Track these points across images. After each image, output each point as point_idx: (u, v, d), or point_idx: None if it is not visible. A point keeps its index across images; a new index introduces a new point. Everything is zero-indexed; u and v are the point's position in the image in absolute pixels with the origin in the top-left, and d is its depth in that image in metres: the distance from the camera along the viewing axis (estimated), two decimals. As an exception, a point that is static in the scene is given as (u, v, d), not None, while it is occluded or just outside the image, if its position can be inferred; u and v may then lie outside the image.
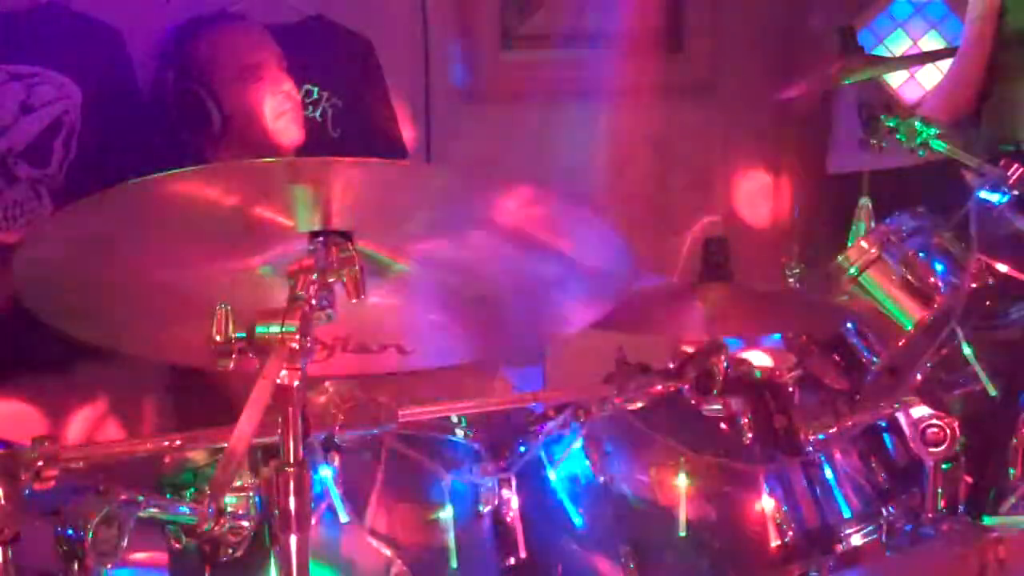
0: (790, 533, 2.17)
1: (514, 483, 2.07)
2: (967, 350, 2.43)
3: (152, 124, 3.06)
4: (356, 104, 3.40)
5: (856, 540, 2.22)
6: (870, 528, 2.24)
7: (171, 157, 2.74)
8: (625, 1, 4.11)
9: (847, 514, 2.24)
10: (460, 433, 2.10)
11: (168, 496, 1.64)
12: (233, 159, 2.70)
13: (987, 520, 2.21)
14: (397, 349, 1.78)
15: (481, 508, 2.04)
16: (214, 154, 2.80)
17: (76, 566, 1.29)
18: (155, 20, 3.15)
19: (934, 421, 2.10)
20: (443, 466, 2.01)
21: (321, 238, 1.50)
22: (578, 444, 2.19)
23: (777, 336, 2.71)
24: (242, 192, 1.47)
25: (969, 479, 2.32)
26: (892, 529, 2.24)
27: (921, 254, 2.51)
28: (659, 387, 2.13)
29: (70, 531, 1.29)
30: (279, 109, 2.81)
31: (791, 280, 2.74)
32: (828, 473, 2.26)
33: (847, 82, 3.20)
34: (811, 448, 2.22)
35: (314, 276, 1.46)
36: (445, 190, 1.55)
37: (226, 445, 1.32)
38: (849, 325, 2.52)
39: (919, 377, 2.43)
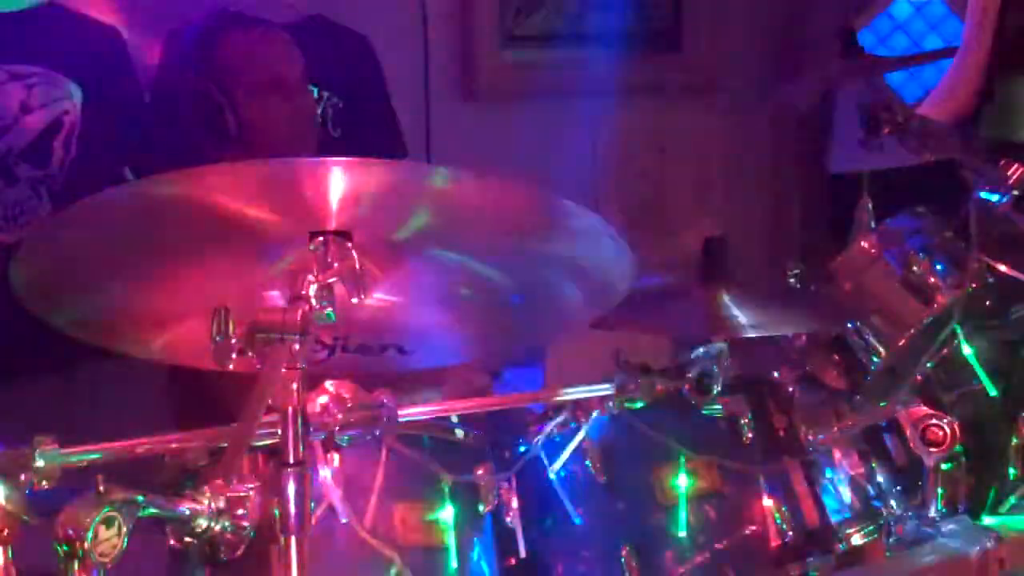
0: (790, 533, 2.17)
1: (514, 483, 2.07)
2: (967, 350, 2.43)
3: (153, 124, 3.05)
4: (356, 104, 3.39)
5: (856, 540, 2.22)
6: (870, 528, 2.24)
7: (178, 158, 2.72)
8: (625, 1, 4.11)
9: (847, 514, 2.24)
10: (460, 433, 2.10)
11: (168, 496, 1.64)
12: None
13: (987, 520, 2.21)
14: (397, 349, 1.78)
15: (481, 508, 2.04)
16: (224, 159, 2.75)
17: (76, 566, 1.29)
18: (155, 20, 3.15)
19: (934, 421, 2.10)
20: (443, 466, 2.01)
21: (321, 238, 1.50)
22: (578, 444, 2.19)
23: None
24: (242, 192, 1.47)
25: (969, 479, 2.32)
26: (892, 529, 2.24)
27: (921, 254, 2.51)
28: (659, 387, 2.13)
29: (70, 531, 1.29)
30: (297, 123, 2.77)
31: (791, 280, 2.73)
32: (828, 473, 2.26)
33: (847, 82, 3.20)
34: (811, 448, 2.22)
35: (314, 276, 1.47)
36: (445, 190, 1.55)
37: (226, 445, 1.32)
38: (849, 325, 2.52)
39: (919, 377, 2.43)
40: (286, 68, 2.77)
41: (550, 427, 2.18)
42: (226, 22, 2.94)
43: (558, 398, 2.17)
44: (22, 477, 1.51)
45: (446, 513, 1.99)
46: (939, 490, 2.13)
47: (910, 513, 2.23)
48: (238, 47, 2.79)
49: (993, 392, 2.44)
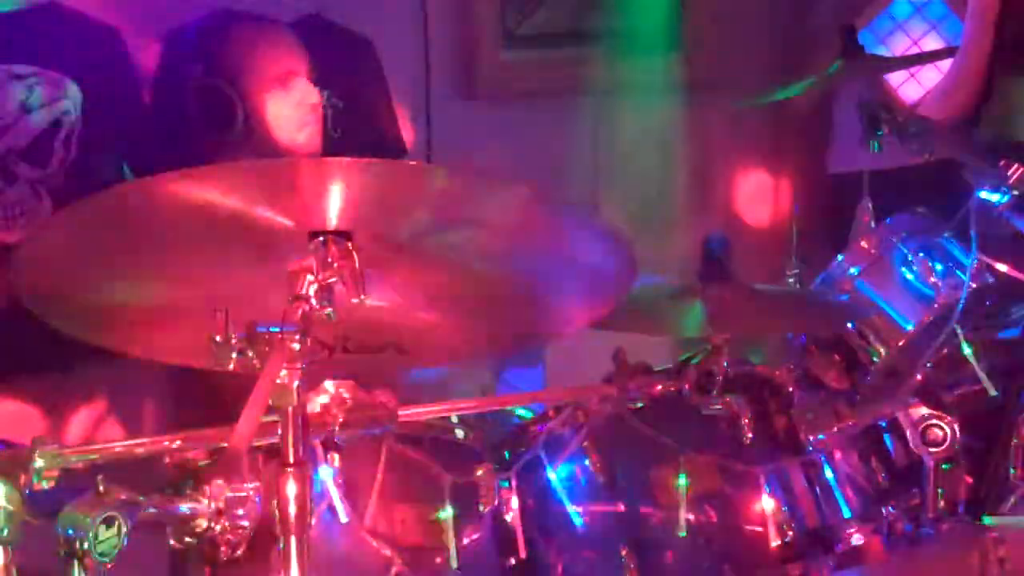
0: (790, 533, 2.17)
1: (514, 483, 2.07)
2: (967, 350, 2.43)
3: (153, 124, 3.05)
4: (356, 104, 3.39)
5: (856, 540, 2.23)
6: (870, 528, 2.24)
7: (183, 155, 2.71)
8: (625, 1, 4.11)
9: (847, 514, 2.24)
10: (460, 433, 2.10)
11: (168, 496, 1.64)
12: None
13: (987, 520, 2.21)
14: (397, 349, 1.78)
15: (481, 508, 2.04)
16: (231, 155, 2.74)
17: (76, 566, 1.29)
18: (155, 20, 3.14)
19: (934, 421, 2.10)
20: (443, 466, 2.01)
21: (321, 238, 1.50)
22: (578, 444, 2.19)
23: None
24: (242, 192, 1.47)
25: (969, 479, 2.32)
26: (892, 529, 2.24)
27: (921, 254, 2.51)
28: (659, 387, 2.13)
29: (70, 531, 1.29)
30: (304, 120, 2.76)
31: (791, 280, 2.73)
32: (828, 473, 2.26)
33: (847, 82, 3.20)
34: (811, 448, 2.22)
35: (314, 276, 1.47)
36: (445, 190, 1.55)
37: (226, 445, 1.33)
38: (849, 325, 2.52)
39: (919, 377, 2.43)
40: (294, 65, 2.77)
41: (550, 427, 2.18)
42: (231, 20, 2.93)
43: (558, 398, 2.18)
44: (22, 477, 1.50)
45: (446, 513, 1.99)
46: (939, 490, 2.13)
47: (910, 513, 2.23)
48: (247, 43, 2.77)
49: (993, 392, 2.44)
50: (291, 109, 2.73)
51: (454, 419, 2.10)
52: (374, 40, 3.56)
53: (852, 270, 2.55)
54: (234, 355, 1.42)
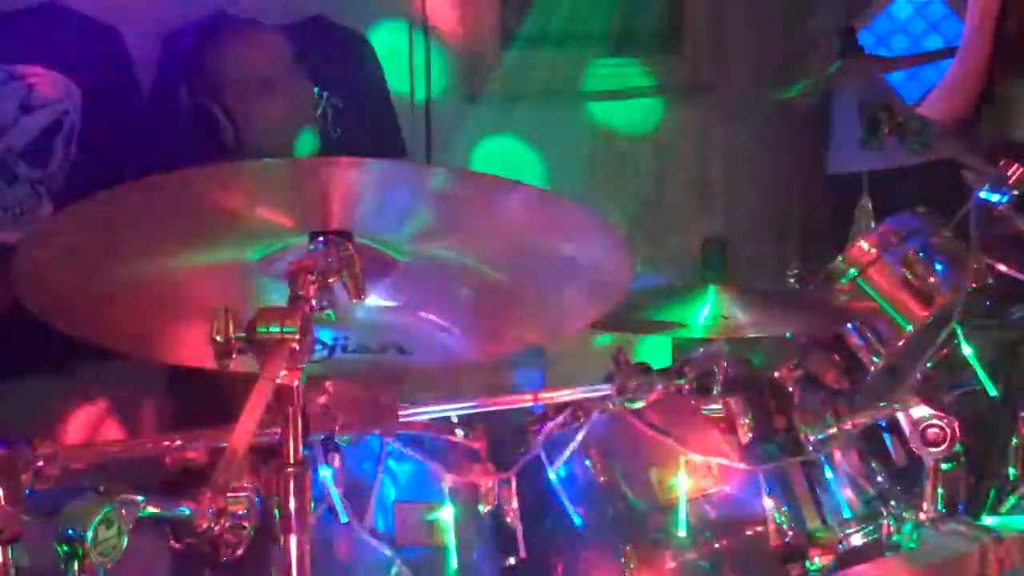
0: (790, 533, 2.17)
1: (514, 483, 2.07)
2: (967, 350, 2.43)
3: (153, 124, 3.05)
4: (356, 104, 3.40)
5: (856, 540, 2.22)
6: (870, 528, 2.24)
7: (183, 155, 2.71)
8: (625, 1, 4.11)
9: (847, 514, 2.24)
10: (460, 433, 2.10)
11: (168, 496, 1.64)
12: None
13: (987, 520, 2.21)
14: (397, 349, 1.78)
15: (481, 508, 2.04)
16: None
17: (76, 566, 1.29)
18: (155, 20, 3.15)
19: (934, 421, 2.10)
20: (443, 466, 2.01)
21: (321, 238, 1.50)
22: (578, 444, 2.19)
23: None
24: (242, 192, 1.47)
25: (969, 479, 2.32)
26: (892, 529, 2.24)
27: (921, 254, 2.51)
28: (659, 387, 2.13)
29: (70, 531, 1.29)
30: (297, 120, 2.75)
31: (791, 280, 2.73)
32: (828, 473, 2.26)
33: (847, 82, 3.21)
34: (811, 448, 2.22)
35: (314, 276, 1.47)
36: (445, 190, 1.55)
37: (226, 445, 1.32)
38: (849, 325, 2.52)
39: (919, 377, 2.43)
40: (277, 69, 2.75)
41: (550, 427, 2.18)
42: (218, 25, 2.93)
43: (558, 398, 2.18)
44: (22, 477, 1.50)
45: (446, 513, 1.99)
46: (939, 490, 2.13)
47: (910, 513, 2.23)
48: (226, 53, 2.76)
49: (993, 392, 2.44)
50: (282, 113, 2.72)
51: (454, 419, 2.10)
52: (374, 40, 3.56)
53: (852, 270, 2.55)
54: (234, 355, 1.42)
